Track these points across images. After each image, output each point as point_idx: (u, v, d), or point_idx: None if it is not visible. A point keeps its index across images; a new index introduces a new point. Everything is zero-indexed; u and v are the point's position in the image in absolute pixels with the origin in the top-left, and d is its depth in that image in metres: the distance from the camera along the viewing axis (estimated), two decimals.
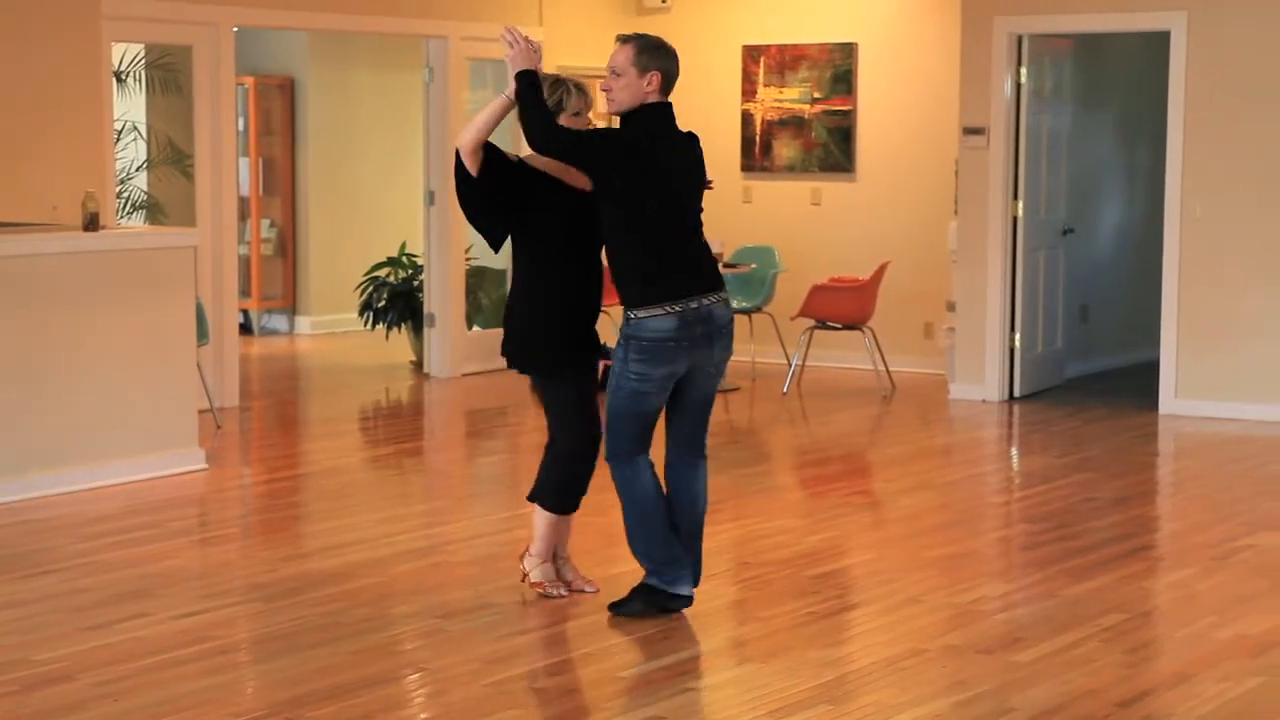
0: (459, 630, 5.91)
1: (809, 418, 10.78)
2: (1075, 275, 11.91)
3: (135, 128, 13.08)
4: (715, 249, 11.42)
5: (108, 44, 9.92)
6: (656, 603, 5.93)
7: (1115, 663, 5.58)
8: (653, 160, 5.67)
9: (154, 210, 12.93)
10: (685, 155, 5.82)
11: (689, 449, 6.00)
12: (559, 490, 6.14)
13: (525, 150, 5.90)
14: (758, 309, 12.04)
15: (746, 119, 12.88)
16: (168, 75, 12.40)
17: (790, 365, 11.72)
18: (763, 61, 12.78)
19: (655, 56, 5.70)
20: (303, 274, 14.70)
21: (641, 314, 5.68)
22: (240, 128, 13.70)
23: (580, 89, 5.90)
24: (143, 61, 12.64)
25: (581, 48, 12.69)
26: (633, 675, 5.46)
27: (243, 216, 13.92)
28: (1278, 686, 5.35)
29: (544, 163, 5.89)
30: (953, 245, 11.41)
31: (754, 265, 11.94)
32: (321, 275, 14.59)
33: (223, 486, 8.53)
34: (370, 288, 12.57)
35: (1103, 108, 12.40)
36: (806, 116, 12.65)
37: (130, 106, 12.98)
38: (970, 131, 11.14)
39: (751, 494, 8.33)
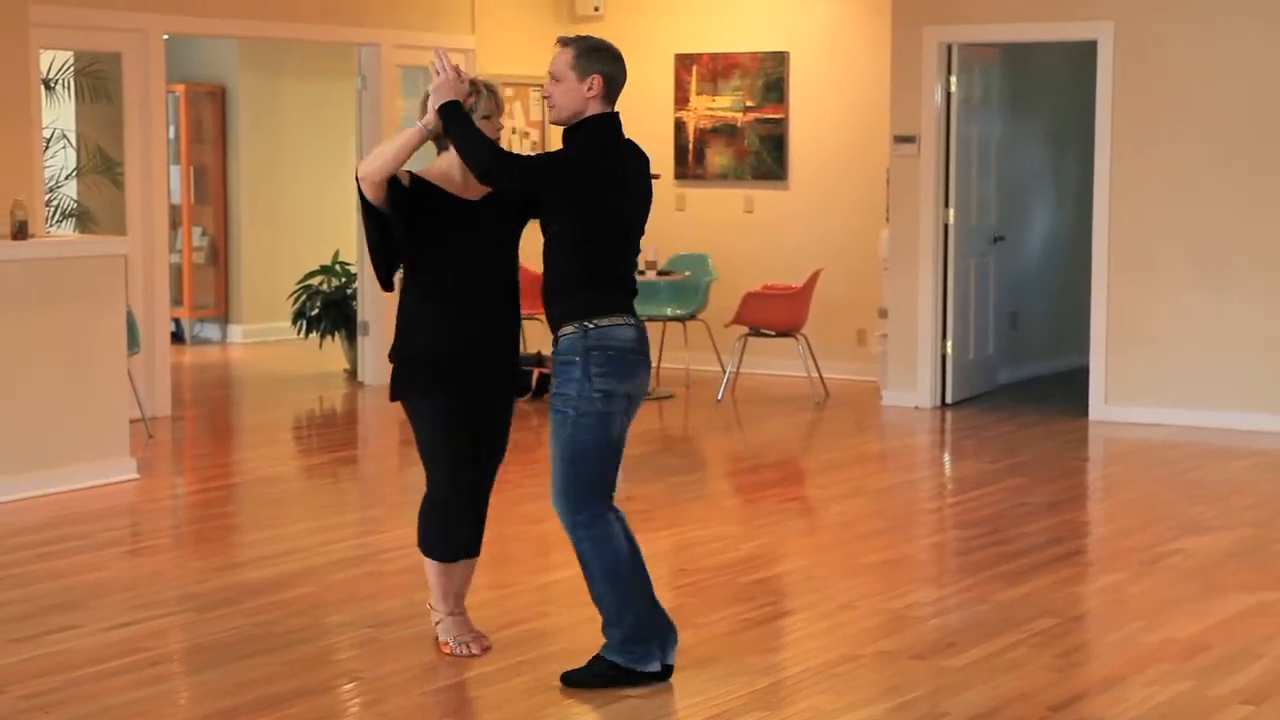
0: (393, 639, 5.90)
1: (743, 425, 10.81)
2: (1005, 282, 12.01)
3: (64, 135, 12.97)
4: (649, 256, 11.52)
5: (36, 51, 9.84)
6: (618, 681, 5.34)
7: (1046, 667, 5.63)
8: (604, 176, 5.30)
9: (84, 218, 12.82)
10: (634, 170, 5.44)
11: (610, 488, 5.40)
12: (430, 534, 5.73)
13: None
14: (691, 316, 12.07)
15: (679, 127, 12.91)
16: (97, 83, 12.30)
17: (724, 372, 11.76)
18: (695, 70, 12.82)
19: (596, 59, 5.29)
20: (235, 282, 14.62)
21: (604, 322, 5.23)
22: (171, 136, 13.61)
23: (490, 90, 5.57)
24: (72, 69, 12.54)
25: (514, 56, 12.69)
26: None
27: (174, 225, 13.83)
28: (1205, 690, 5.41)
29: (440, 174, 5.55)
30: (884, 253, 11.47)
31: (688, 273, 11.97)
32: (254, 284, 14.51)
33: (155, 496, 8.47)
34: (303, 296, 12.51)
35: (1032, 116, 12.51)
36: (739, 124, 12.70)
37: (59, 114, 12.87)
38: (901, 140, 11.21)
39: (687, 501, 8.35)
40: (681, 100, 12.89)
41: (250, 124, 14.49)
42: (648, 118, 12.90)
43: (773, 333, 11.52)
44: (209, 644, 5.87)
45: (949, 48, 11.13)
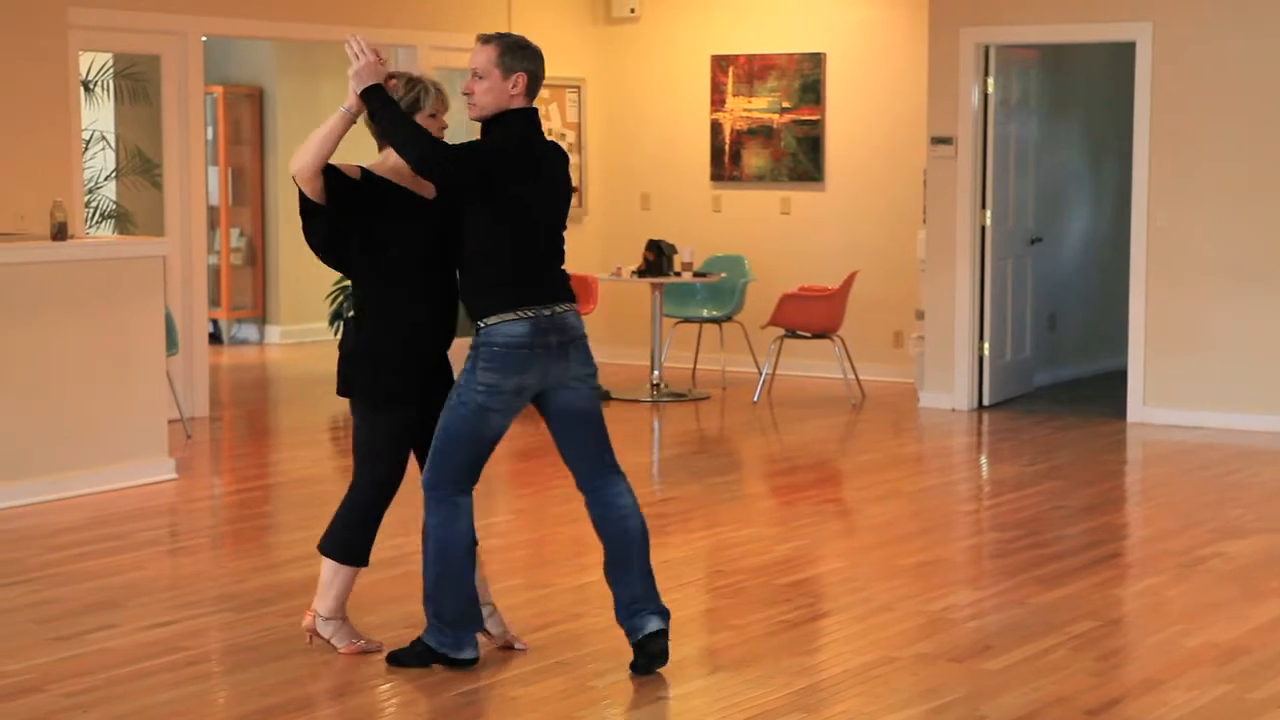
0: None
1: (779, 426, 10.80)
2: (1043, 284, 11.97)
3: (104, 137, 13.05)
4: (685, 258, 11.52)
5: (75, 53, 9.90)
6: (434, 661, 5.55)
7: (1085, 670, 5.61)
8: (521, 169, 5.35)
9: (123, 220, 12.89)
10: (553, 166, 5.49)
11: (596, 466, 5.53)
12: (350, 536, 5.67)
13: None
14: (727, 318, 12.06)
15: (715, 128, 12.90)
16: (136, 85, 12.37)
17: (760, 374, 11.74)
18: (731, 71, 12.81)
19: (520, 57, 5.38)
20: (272, 283, 14.66)
21: (492, 320, 5.32)
22: (209, 137, 13.67)
23: (438, 89, 5.54)
24: (111, 71, 12.61)
25: (550, 58, 12.59)
26: (605, 684, 5.46)
27: (212, 226, 13.89)
28: (1245, 694, 5.38)
29: (391, 168, 5.50)
30: (921, 254, 11.44)
31: (724, 274, 11.96)
32: (291, 284, 14.56)
33: (193, 496, 8.50)
34: (340, 297, 12.55)
35: (1069, 117, 12.46)
36: (775, 126, 12.68)
37: (98, 116, 12.94)
38: (938, 141, 11.18)
39: (723, 503, 8.34)
40: (718, 102, 12.88)
41: (288, 125, 14.53)
42: (684, 119, 12.90)
43: (809, 334, 11.50)
44: (246, 644, 5.89)
45: (986, 49, 11.10)
